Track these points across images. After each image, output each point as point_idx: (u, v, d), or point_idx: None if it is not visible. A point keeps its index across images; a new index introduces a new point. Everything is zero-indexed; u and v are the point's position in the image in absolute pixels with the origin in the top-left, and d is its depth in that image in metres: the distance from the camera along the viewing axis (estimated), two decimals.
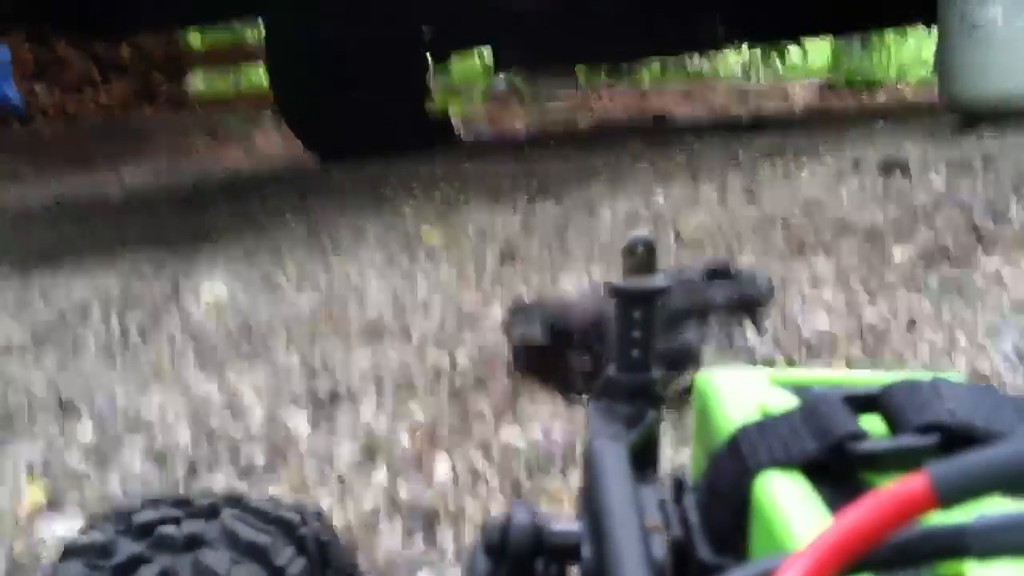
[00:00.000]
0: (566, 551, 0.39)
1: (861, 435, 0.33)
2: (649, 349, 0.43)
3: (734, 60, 8.75)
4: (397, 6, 3.91)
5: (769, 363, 1.17)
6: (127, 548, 0.46)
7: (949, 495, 0.26)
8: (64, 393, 1.23)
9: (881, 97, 5.63)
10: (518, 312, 1.17)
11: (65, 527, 0.83)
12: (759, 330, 1.28)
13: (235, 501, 0.49)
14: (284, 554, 0.47)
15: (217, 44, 7.99)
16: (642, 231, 0.44)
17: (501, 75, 7.17)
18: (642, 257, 0.42)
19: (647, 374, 0.43)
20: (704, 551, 0.35)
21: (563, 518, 0.40)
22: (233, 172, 4.11)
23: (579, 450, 0.97)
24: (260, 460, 0.98)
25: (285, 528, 0.48)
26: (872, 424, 0.34)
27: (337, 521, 0.85)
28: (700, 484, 0.38)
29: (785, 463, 0.33)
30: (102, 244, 2.42)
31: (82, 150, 5.33)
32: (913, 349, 1.18)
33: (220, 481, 0.94)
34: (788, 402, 0.38)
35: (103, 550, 0.46)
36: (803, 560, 0.25)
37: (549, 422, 1.04)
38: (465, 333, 1.39)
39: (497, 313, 1.48)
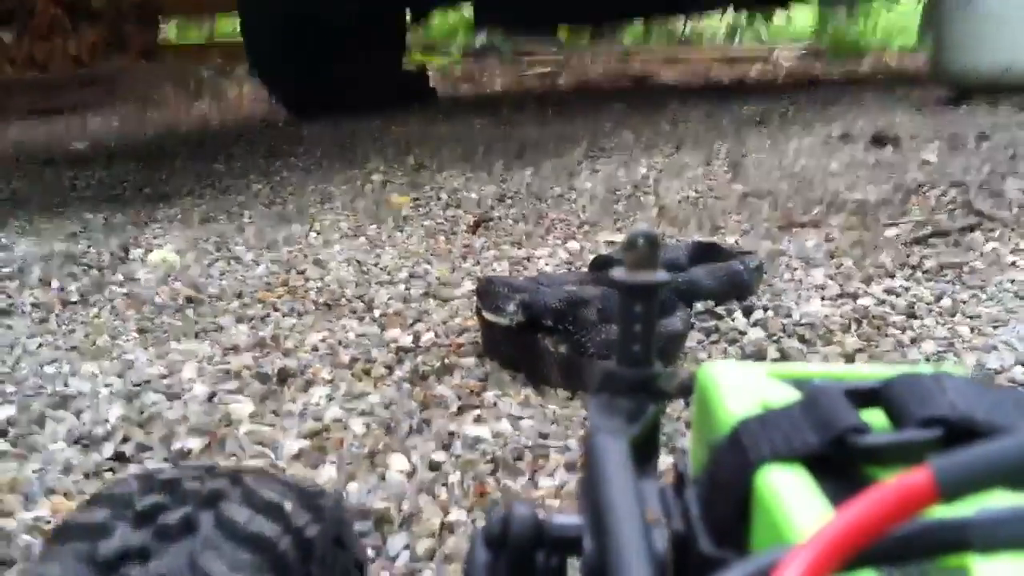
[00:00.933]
0: (567, 544, 0.38)
1: (863, 428, 0.32)
2: (650, 343, 0.42)
3: (718, 23, 8.63)
4: None
5: (760, 353, 1.07)
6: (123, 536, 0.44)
7: (951, 489, 0.26)
8: None
9: (866, 65, 5.53)
10: (489, 290, 1.07)
11: None
12: (748, 314, 1.18)
13: (238, 480, 0.47)
14: (285, 541, 0.45)
15: None
16: (643, 225, 0.42)
17: (481, 33, 7.03)
18: (643, 250, 0.40)
19: (648, 368, 0.42)
20: (705, 544, 0.35)
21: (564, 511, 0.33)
22: (200, 127, 3.96)
23: (555, 447, 0.87)
24: (196, 446, 0.88)
25: (304, 496, 0.47)
26: (874, 418, 0.34)
27: None
28: (701, 477, 0.37)
29: (786, 456, 0.33)
30: (53, 201, 2.29)
31: (48, 98, 5.16)
32: (916, 342, 1.09)
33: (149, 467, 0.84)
34: (789, 395, 0.38)
35: (101, 529, 0.44)
36: (805, 554, 0.25)
37: (518, 411, 0.94)
38: (432, 307, 1.28)
39: (467, 287, 1.38)
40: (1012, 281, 1.34)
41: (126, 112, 4.86)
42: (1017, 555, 0.26)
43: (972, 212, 1.78)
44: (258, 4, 3.94)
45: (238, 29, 4.79)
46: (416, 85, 4.44)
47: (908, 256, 1.50)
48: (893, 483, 0.26)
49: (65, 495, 0.81)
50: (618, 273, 0.42)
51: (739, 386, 0.40)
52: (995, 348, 1.05)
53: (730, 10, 7.41)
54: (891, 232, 1.67)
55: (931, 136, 2.58)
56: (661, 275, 0.41)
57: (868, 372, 0.40)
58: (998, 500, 0.28)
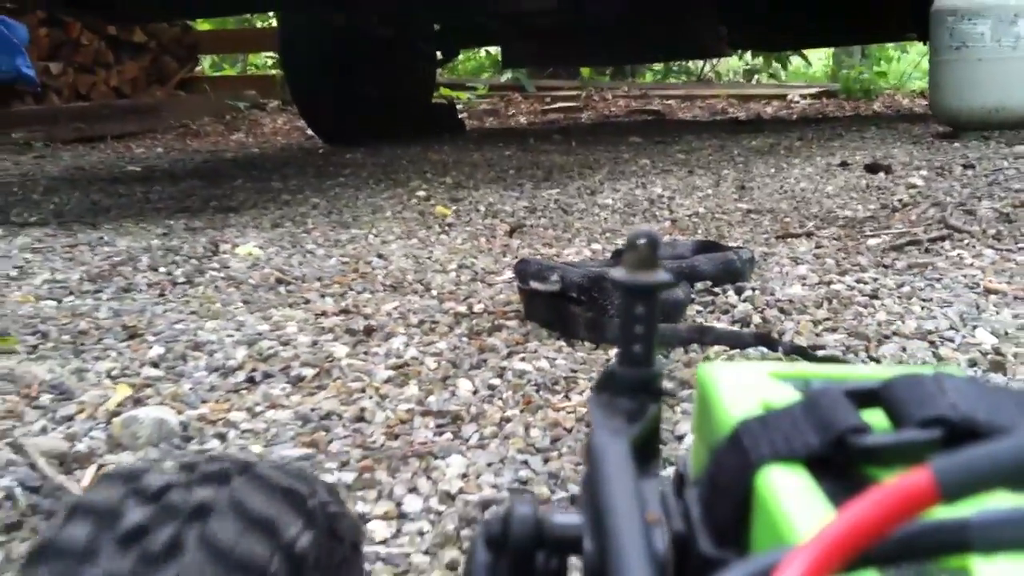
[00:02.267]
0: (567, 544, 0.39)
1: (863, 429, 0.33)
2: (652, 344, 0.42)
3: (736, 64, 8.93)
4: (409, 6, 4.09)
5: (745, 320, 1.34)
6: (134, 514, 0.44)
7: (952, 490, 0.26)
8: (127, 322, 1.40)
9: (876, 105, 5.81)
10: (528, 267, 1.35)
11: (154, 412, 1.00)
12: (739, 293, 1.45)
13: (245, 468, 0.48)
14: (293, 527, 0.46)
15: (225, 30, 8.14)
16: (644, 226, 0.47)
17: (506, 71, 7.35)
18: (644, 252, 0.41)
19: (649, 369, 0.42)
20: (706, 545, 0.35)
21: (565, 511, 0.41)
22: (245, 154, 4.27)
23: (583, 377, 1.14)
24: (308, 374, 1.16)
25: (294, 500, 0.47)
26: (874, 418, 0.34)
27: (377, 423, 1.02)
28: (701, 478, 0.38)
29: (787, 457, 0.33)
30: (131, 211, 2.58)
31: (92, 128, 5.46)
32: (872, 315, 1.35)
33: (275, 390, 1.11)
34: (789, 396, 0.38)
35: (110, 513, 0.45)
36: (805, 554, 0.25)
37: (554, 355, 1.21)
38: (480, 288, 1.56)
39: (508, 275, 1.65)
40: (965, 276, 1.60)
41: (167, 141, 5.17)
42: (1018, 556, 0.26)
43: (946, 227, 2.04)
44: (298, 45, 4.26)
45: (270, 64, 5.10)
46: (446, 117, 4.75)
47: (882, 258, 1.76)
48: (894, 484, 0.26)
49: (215, 402, 1.09)
50: (618, 274, 0.42)
51: (739, 387, 0.40)
52: (935, 318, 1.32)
53: (747, 53, 7.73)
54: (873, 241, 1.94)
55: (921, 165, 2.85)
56: (662, 276, 0.42)
57: (868, 373, 0.41)
58: (999, 501, 0.28)
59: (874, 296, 1.46)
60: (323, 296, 1.53)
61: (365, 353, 1.23)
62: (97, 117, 5.77)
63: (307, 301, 1.50)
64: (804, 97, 6.40)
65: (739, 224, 2.16)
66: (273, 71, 8.46)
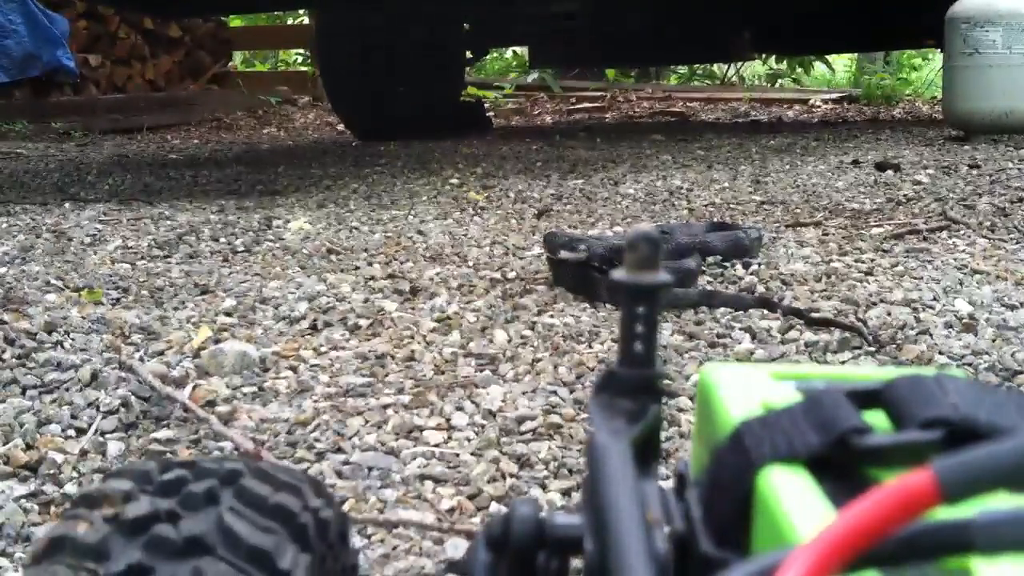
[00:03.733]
0: (568, 544, 0.39)
1: (864, 429, 0.33)
2: (653, 344, 0.42)
3: (760, 69, 9.06)
4: (441, 6, 4.26)
5: (750, 288, 1.50)
6: (122, 554, 0.44)
7: (954, 490, 0.26)
8: (198, 280, 1.57)
9: (897, 111, 5.94)
10: (556, 238, 1.51)
11: (237, 345, 1.17)
12: (746, 267, 1.61)
13: (234, 477, 0.47)
14: (288, 554, 0.45)
15: (257, 26, 8.34)
16: (644, 226, 0.48)
17: (533, 71, 7.51)
18: (645, 252, 0.41)
19: (650, 369, 0.42)
20: (706, 545, 0.35)
21: (566, 511, 0.42)
22: (282, 145, 4.46)
23: (604, 331, 1.30)
24: (363, 324, 1.32)
25: (286, 516, 0.46)
26: (875, 419, 0.35)
27: (426, 362, 1.19)
28: (702, 478, 0.38)
29: (788, 457, 0.33)
30: (184, 190, 2.77)
31: (128, 119, 5.64)
32: (865, 287, 1.51)
33: (336, 335, 1.28)
34: (791, 396, 0.38)
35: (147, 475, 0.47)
36: (807, 555, 0.25)
37: (579, 313, 1.38)
38: (512, 260, 1.72)
39: (537, 250, 1.81)
40: (955, 259, 1.75)
41: (201, 133, 5.36)
42: (1019, 557, 0.26)
43: (945, 218, 2.19)
44: (334, 42, 4.44)
45: (300, 60, 5.26)
46: (474, 115, 4.92)
47: (882, 244, 1.91)
48: (895, 484, 0.26)
49: (286, 343, 1.25)
50: (619, 274, 0.42)
51: (740, 387, 0.40)
52: (920, 290, 1.47)
53: (771, 58, 7.87)
54: (876, 230, 2.09)
55: (929, 164, 3.00)
56: (663, 276, 0.41)
57: (870, 373, 0.41)
58: (1000, 502, 0.28)
59: (869, 273, 1.61)
60: (370, 264, 1.70)
61: (412, 308, 1.40)
62: (133, 109, 5.95)
63: (356, 268, 1.67)
64: (826, 102, 6.54)
65: (752, 214, 2.32)
66: (304, 67, 8.66)
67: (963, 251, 1.85)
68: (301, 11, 7.55)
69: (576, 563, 0.41)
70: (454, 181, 2.83)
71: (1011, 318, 1.33)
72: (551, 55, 5.77)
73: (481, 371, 1.15)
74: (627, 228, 2.08)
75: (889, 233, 2.04)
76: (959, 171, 2.87)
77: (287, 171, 3.21)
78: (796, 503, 0.31)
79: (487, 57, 8.31)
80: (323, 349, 1.23)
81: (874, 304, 1.40)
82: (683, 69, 8.59)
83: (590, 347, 1.24)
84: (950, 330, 1.28)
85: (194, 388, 1.08)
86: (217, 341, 1.25)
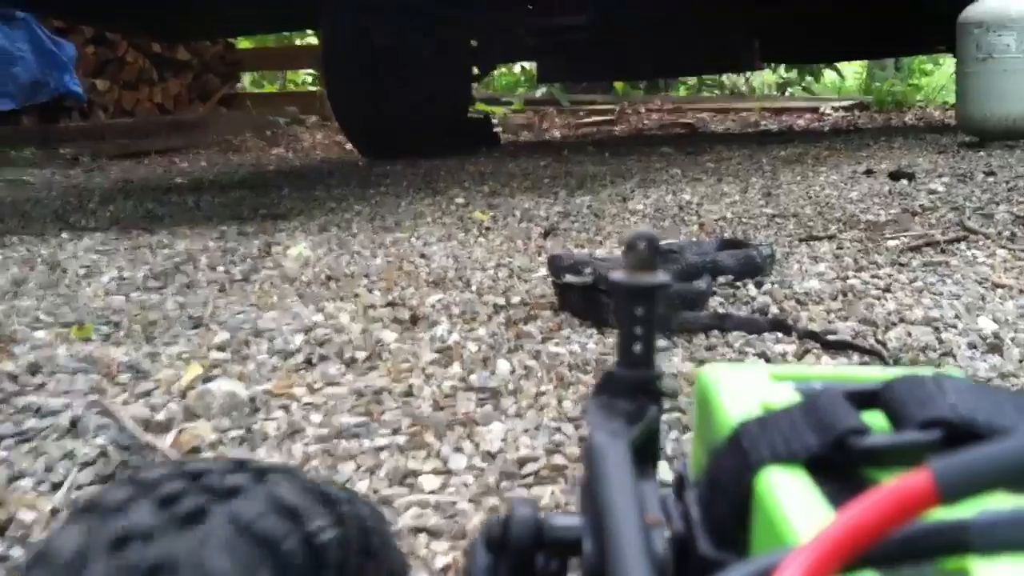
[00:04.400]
0: (567, 545, 0.40)
1: (863, 430, 0.33)
2: (652, 345, 0.43)
3: (770, 78, 9.01)
4: (447, 21, 4.23)
5: (763, 309, 1.44)
6: (173, 486, 0.45)
7: (952, 491, 0.26)
8: (192, 313, 1.52)
9: (908, 117, 5.88)
10: (560, 260, 1.46)
11: (225, 385, 1.12)
12: (759, 286, 1.55)
13: (285, 470, 0.48)
14: (318, 520, 0.45)
15: (266, 47, 8.36)
16: (643, 228, 0.47)
17: (541, 85, 7.48)
18: (644, 253, 0.41)
19: (649, 370, 0.43)
20: (705, 546, 0.35)
21: (564, 513, 0.41)
22: (288, 167, 4.42)
23: (612, 360, 1.24)
24: (361, 357, 1.27)
25: (325, 501, 0.47)
26: (874, 420, 0.35)
27: (424, 397, 1.13)
28: (701, 479, 0.38)
29: (787, 458, 0.33)
30: (186, 216, 2.72)
31: (137, 143, 5.63)
32: (883, 305, 1.45)
33: (332, 370, 1.23)
34: (789, 397, 0.38)
35: (153, 484, 0.46)
36: (805, 556, 0.25)
37: (585, 340, 1.32)
38: (516, 284, 1.67)
39: (543, 272, 1.76)
40: (976, 272, 1.69)
41: (210, 155, 5.34)
42: (1017, 557, 0.26)
43: (963, 229, 2.12)
44: (340, 61, 4.40)
45: (309, 80, 5.23)
46: (482, 131, 4.88)
47: (899, 258, 1.85)
48: (893, 485, 0.26)
49: (279, 379, 1.20)
50: (618, 275, 0.42)
51: (739, 388, 0.40)
52: (941, 307, 1.41)
53: (780, 67, 7.82)
54: (892, 243, 2.03)
55: (944, 172, 2.93)
56: (661, 277, 0.42)
57: (868, 374, 0.41)
58: (998, 502, 0.28)
59: (887, 290, 1.55)
60: (371, 291, 1.65)
61: (412, 339, 1.35)
62: (142, 133, 5.94)
63: (356, 295, 1.62)
64: (836, 110, 6.48)
65: (764, 227, 2.26)
66: (312, 88, 8.67)
67: (983, 263, 1.78)
68: (309, 31, 7.55)
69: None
70: (460, 200, 2.78)
71: None
72: (559, 70, 5.74)
73: (482, 406, 1.10)
74: None
75: (906, 246, 1.98)
76: (975, 179, 2.80)
77: (291, 193, 3.17)
78: (794, 504, 0.31)
79: (495, 72, 8.30)
80: (317, 386, 1.17)
81: (893, 324, 1.34)
82: (692, 80, 8.54)
83: (596, 376, 1.18)
84: (974, 351, 1.22)
85: (179, 433, 1.02)
86: (207, 379, 1.20)
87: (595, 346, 1.30)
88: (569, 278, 1.41)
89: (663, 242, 1.89)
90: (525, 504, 0.40)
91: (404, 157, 4.17)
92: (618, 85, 7.75)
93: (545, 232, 2.19)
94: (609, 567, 0.33)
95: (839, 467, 0.33)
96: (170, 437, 1.02)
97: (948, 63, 8.13)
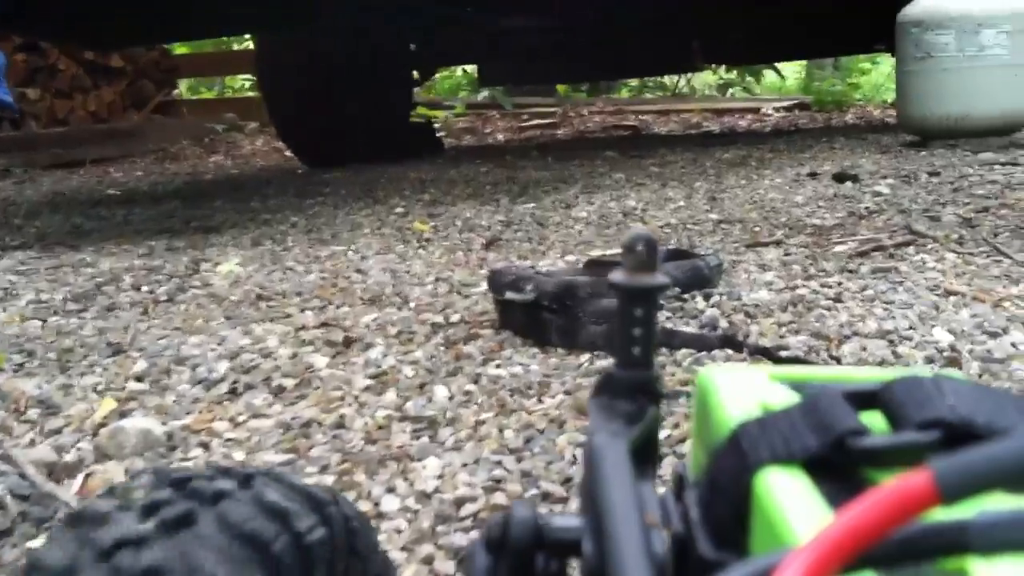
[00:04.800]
0: (567, 546, 0.39)
1: (862, 431, 0.33)
2: (650, 346, 0.43)
3: (711, 79, 9.04)
4: (384, 25, 4.15)
5: (712, 323, 1.39)
6: (159, 494, 0.46)
7: (951, 492, 0.26)
8: (111, 339, 1.43)
9: (848, 117, 5.90)
10: (501, 276, 1.39)
11: (140, 422, 1.04)
12: (707, 299, 1.50)
13: (268, 472, 0.49)
14: (306, 521, 0.46)
15: (203, 53, 8.20)
16: (642, 228, 0.47)
17: (483, 88, 7.41)
18: (642, 254, 0.41)
19: (648, 371, 0.43)
20: (705, 547, 0.35)
21: (564, 513, 0.41)
22: (225, 176, 4.31)
23: (556, 382, 1.18)
24: (289, 385, 1.19)
25: (312, 502, 0.48)
26: (873, 420, 0.35)
27: (356, 429, 1.06)
28: (700, 480, 0.38)
29: (786, 459, 0.33)
30: (115, 231, 2.62)
31: (71, 152, 5.47)
32: (835, 316, 1.40)
33: (257, 400, 1.15)
34: (788, 398, 0.38)
35: (150, 507, 0.46)
36: (804, 556, 0.25)
37: (528, 361, 1.26)
38: (456, 300, 1.60)
39: (484, 287, 1.69)
40: (927, 279, 1.65)
41: (145, 164, 5.20)
42: (1017, 558, 0.26)
43: (910, 232, 2.10)
44: (276, 67, 4.29)
45: (247, 86, 5.12)
46: (424, 136, 4.80)
47: (848, 264, 1.81)
48: (893, 486, 0.26)
49: (199, 413, 1.12)
50: (618, 276, 0.42)
51: (738, 389, 0.40)
52: (894, 318, 1.37)
53: (721, 67, 7.84)
54: (839, 248, 1.99)
55: (888, 173, 2.92)
56: (661, 278, 0.42)
57: (867, 375, 0.40)
58: (998, 503, 0.28)
59: (837, 299, 1.50)
60: (303, 310, 1.57)
61: (344, 364, 1.27)
62: (75, 142, 5.77)
63: (287, 315, 1.54)
64: (777, 110, 6.49)
65: (710, 234, 2.21)
66: (251, 93, 8.51)
67: (933, 268, 1.75)
68: (247, 36, 7.41)
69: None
70: (400, 210, 2.70)
71: (995, 348, 1.22)
72: (500, 73, 5.67)
73: (417, 438, 1.03)
74: (579, 256, 1.97)
75: (854, 251, 1.94)
76: (919, 179, 2.79)
77: (225, 205, 3.07)
78: (794, 505, 0.31)
79: (436, 76, 8.22)
80: (241, 419, 1.10)
81: (847, 338, 1.29)
82: (634, 82, 8.54)
83: (540, 401, 1.12)
84: (933, 365, 1.18)
85: (87, 478, 0.94)
86: (123, 414, 1.12)
87: (538, 367, 1.23)
88: (510, 295, 1.34)
89: (607, 255, 1.83)
90: (524, 505, 0.40)
91: (345, 164, 4.08)
92: (561, 87, 7.71)
93: (487, 243, 2.12)
94: (609, 568, 0.33)
95: (838, 468, 0.33)
96: (76, 483, 0.94)
97: (886, 62, 8.22)
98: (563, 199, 2.77)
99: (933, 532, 0.27)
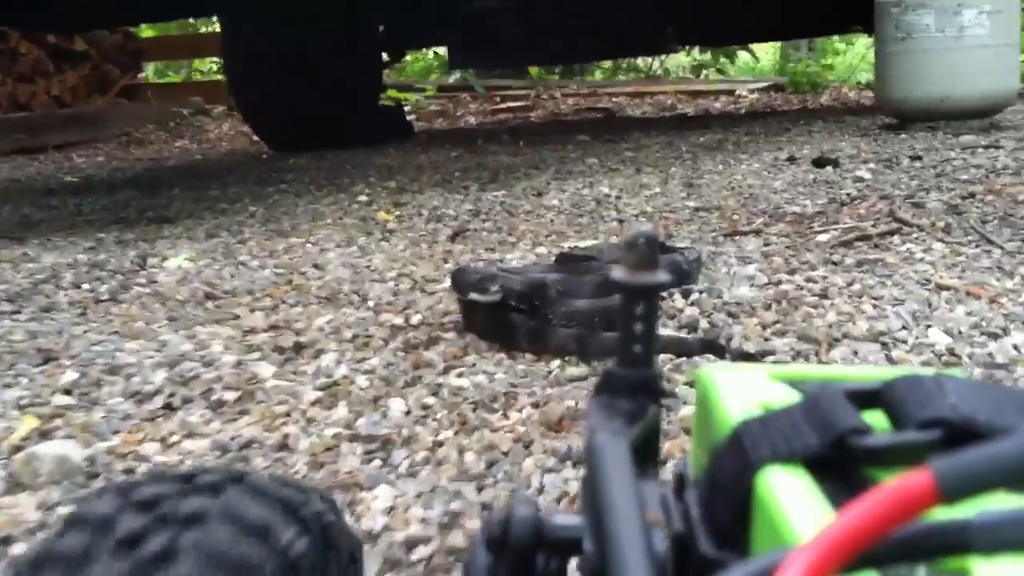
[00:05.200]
0: (567, 545, 0.39)
1: (863, 429, 0.33)
2: (651, 344, 0.42)
3: (684, 60, 8.94)
4: (350, 6, 4.02)
5: (692, 325, 1.29)
6: (128, 522, 0.43)
7: (952, 491, 0.26)
8: (43, 344, 1.32)
9: (824, 99, 5.82)
10: (465, 275, 1.29)
11: (57, 447, 0.93)
12: (686, 296, 1.40)
13: (238, 479, 0.48)
14: (287, 533, 0.45)
15: (169, 35, 8.03)
16: (644, 226, 0.44)
17: (455, 71, 7.29)
18: (643, 251, 0.40)
19: (649, 369, 0.42)
20: (706, 546, 0.35)
21: (564, 512, 0.41)
22: (188, 161, 4.17)
23: (524, 392, 1.08)
24: (230, 398, 1.09)
25: (288, 508, 0.47)
26: (874, 419, 0.34)
27: (301, 451, 0.96)
28: (702, 479, 0.38)
29: (787, 458, 0.33)
30: (64, 222, 2.49)
31: (33, 138, 5.32)
32: (823, 315, 1.31)
33: (194, 417, 1.04)
34: (789, 397, 0.38)
35: (104, 523, 0.44)
36: (806, 555, 0.25)
37: (493, 369, 1.15)
38: (418, 298, 1.50)
39: (448, 282, 1.59)
40: (916, 272, 1.56)
41: (109, 150, 5.05)
42: (1018, 557, 0.26)
43: (895, 220, 2.01)
44: (241, 49, 4.16)
45: (215, 69, 4.98)
46: (394, 120, 4.67)
47: (831, 255, 1.72)
48: (894, 485, 0.26)
49: (128, 432, 1.01)
50: (619, 273, 0.41)
51: (739, 388, 0.40)
52: (887, 317, 1.28)
53: (695, 49, 7.74)
54: (822, 237, 1.90)
55: (868, 158, 2.83)
56: (662, 276, 0.41)
57: (869, 374, 0.40)
58: (999, 502, 0.28)
59: (824, 296, 1.41)
60: (253, 311, 1.46)
61: (293, 373, 1.17)
62: (38, 127, 5.62)
63: (236, 317, 1.43)
64: (752, 92, 6.40)
65: (687, 222, 2.12)
66: (219, 76, 8.32)
67: (921, 259, 1.66)
68: (215, 18, 7.23)
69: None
70: (363, 198, 2.59)
71: (997, 350, 1.14)
72: (471, 56, 5.55)
73: (369, 461, 0.93)
74: (551, 248, 1.87)
75: (837, 240, 1.86)
76: (901, 164, 2.70)
77: (183, 193, 2.94)
78: (795, 504, 0.31)
79: (407, 58, 8.07)
80: (174, 439, 0.99)
81: (836, 341, 1.20)
82: (608, 64, 8.43)
83: (505, 416, 1.02)
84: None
85: None
86: (44, 434, 1.01)
87: (504, 375, 1.13)
88: (475, 296, 1.24)
89: (578, 249, 1.73)
90: (525, 504, 0.39)
91: (312, 149, 3.96)
92: (533, 70, 7.59)
93: (453, 234, 2.01)
94: (609, 566, 0.33)
95: (840, 467, 0.33)
96: None
97: (861, 42, 8.16)
98: (534, 186, 2.67)
99: (934, 531, 0.27)
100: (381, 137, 4.27)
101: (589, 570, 0.36)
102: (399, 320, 1.37)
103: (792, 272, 1.57)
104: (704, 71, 8.44)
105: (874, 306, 1.37)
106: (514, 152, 3.58)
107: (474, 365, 1.17)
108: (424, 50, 8.48)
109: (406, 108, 5.90)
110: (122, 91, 6.85)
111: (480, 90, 7.05)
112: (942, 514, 0.27)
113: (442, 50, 7.74)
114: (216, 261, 1.84)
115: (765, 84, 6.69)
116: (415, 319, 1.37)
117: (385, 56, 4.89)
